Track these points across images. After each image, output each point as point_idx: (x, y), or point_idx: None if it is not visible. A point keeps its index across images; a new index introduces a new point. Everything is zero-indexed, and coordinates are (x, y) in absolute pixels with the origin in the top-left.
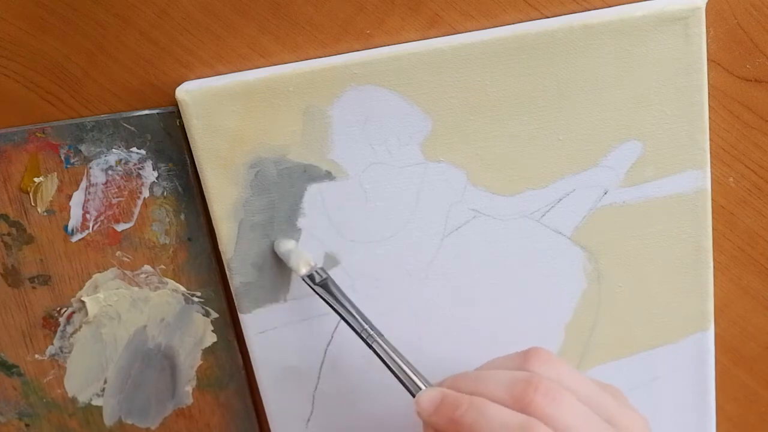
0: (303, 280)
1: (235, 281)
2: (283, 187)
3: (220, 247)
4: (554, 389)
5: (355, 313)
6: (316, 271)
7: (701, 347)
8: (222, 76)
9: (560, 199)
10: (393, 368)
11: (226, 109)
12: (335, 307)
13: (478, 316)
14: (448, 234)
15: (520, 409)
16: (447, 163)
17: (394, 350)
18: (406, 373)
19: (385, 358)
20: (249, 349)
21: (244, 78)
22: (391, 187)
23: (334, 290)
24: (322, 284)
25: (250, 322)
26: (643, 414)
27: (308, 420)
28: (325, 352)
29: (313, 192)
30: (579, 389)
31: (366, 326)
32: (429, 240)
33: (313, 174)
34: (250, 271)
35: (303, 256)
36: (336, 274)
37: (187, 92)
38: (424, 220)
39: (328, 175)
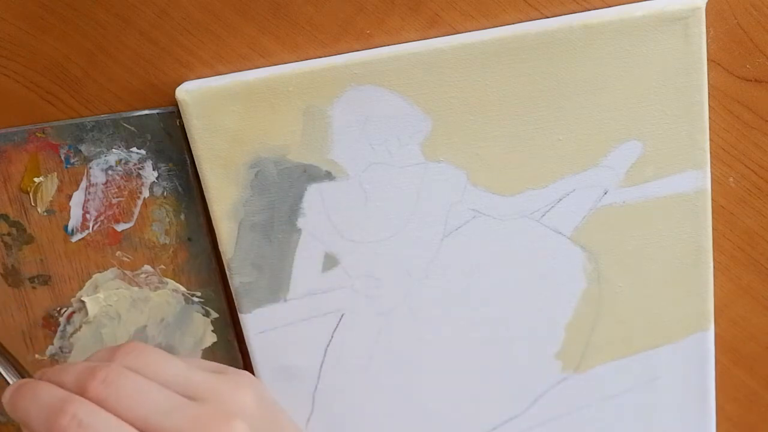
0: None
1: (235, 281)
2: (283, 187)
3: (220, 248)
4: (116, 375)
5: None
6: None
7: (701, 347)
8: (222, 76)
9: (560, 199)
10: None
11: (226, 109)
12: None
13: (477, 315)
14: (448, 234)
15: (79, 394)
16: (447, 163)
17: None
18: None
19: None
20: (249, 349)
21: (244, 78)
22: (391, 187)
23: None
24: None
25: (250, 322)
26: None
27: (308, 419)
28: (325, 352)
29: (313, 192)
30: (162, 372)
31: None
32: (429, 240)
33: (313, 174)
34: (250, 271)
35: None
36: (336, 274)
37: (187, 92)
38: (424, 220)
39: (328, 175)
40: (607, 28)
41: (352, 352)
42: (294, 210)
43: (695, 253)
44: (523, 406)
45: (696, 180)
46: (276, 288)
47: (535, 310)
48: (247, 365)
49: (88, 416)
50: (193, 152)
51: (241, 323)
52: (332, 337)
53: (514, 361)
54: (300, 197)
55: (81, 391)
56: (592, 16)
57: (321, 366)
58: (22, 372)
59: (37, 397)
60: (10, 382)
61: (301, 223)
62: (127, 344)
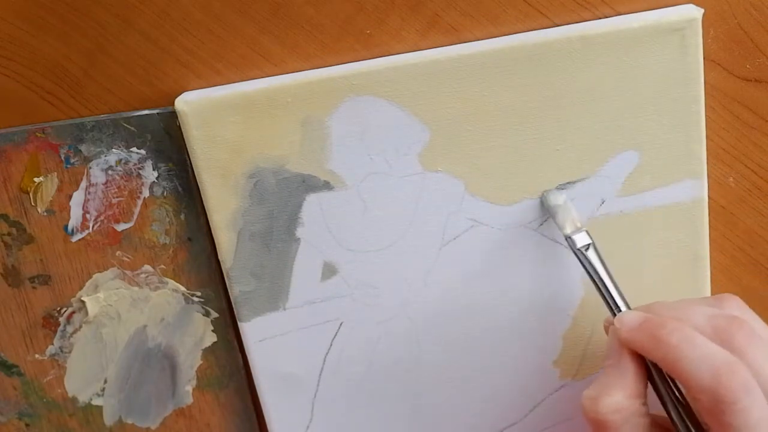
0: (566, 240)
1: (235, 290)
2: (282, 197)
3: (220, 257)
4: (752, 332)
5: (609, 288)
6: (580, 235)
7: None
8: (221, 87)
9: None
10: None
11: (225, 120)
12: (592, 276)
13: (475, 324)
14: (446, 243)
15: (720, 343)
16: (445, 173)
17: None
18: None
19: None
20: (248, 357)
21: (243, 89)
22: (389, 197)
23: (593, 260)
24: (581, 250)
25: (250, 330)
26: None
27: (308, 427)
28: (325, 360)
29: (312, 202)
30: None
31: (617, 303)
32: (427, 249)
33: (311, 184)
34: (249, 280)
35: (571, 215)
36: (334, 283)
37: (186, 103)
38: (422, 230)
39: (327, 185)
40: (605, 39)
41: (350, 360)
42: (293, 220)
43: (692, 261)
44: (521, 413)
45: (693, 189)
46: (275, 297)
47: (533, 319)
48: (246, 365)
49: (750, 381)
50: (192, 162)
51: (241, 332)
52: (331, 345)
53: (512, 368)
54: (299, 207)
55: (722, 338)
56: (590, 27)
57: (320, 374)
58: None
59: (691, 340)
60: (622, 309)
61: (300, 232)
62: (732, 297)
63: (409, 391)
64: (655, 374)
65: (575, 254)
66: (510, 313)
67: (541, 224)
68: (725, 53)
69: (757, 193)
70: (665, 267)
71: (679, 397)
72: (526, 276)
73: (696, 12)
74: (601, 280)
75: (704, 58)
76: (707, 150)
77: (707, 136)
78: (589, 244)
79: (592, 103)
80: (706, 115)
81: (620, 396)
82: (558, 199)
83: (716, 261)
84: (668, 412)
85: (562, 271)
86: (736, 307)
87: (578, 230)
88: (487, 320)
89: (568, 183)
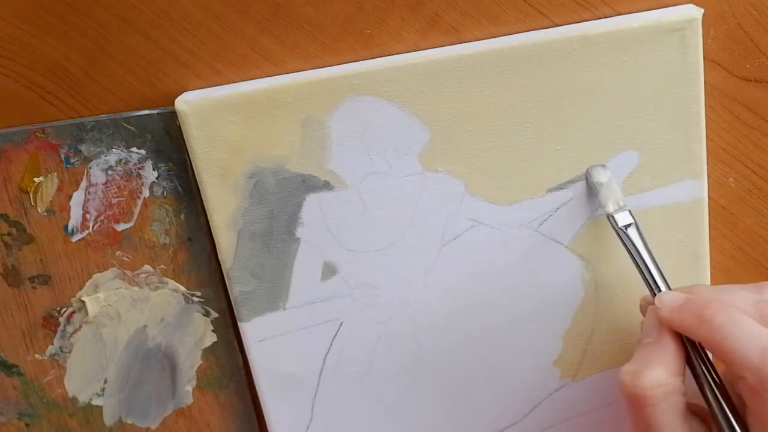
0: (608, 218)
1: (235, 290)
2: (282, 197)
3: (220, 257)
4: None
5: (651, 268)
6: (622, 214)
7: None
8: (221, 87)
9: (557, 209)
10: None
11: (225, 120)
12: (633, 255)
13: (475, 324)
14: (446, 243)
15: (766, 326)
16: (445, 172)
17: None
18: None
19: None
20: (248, 357)
21: (243, 89)
22: (389, 197)
23: (634, 239)
24: (623, 229)
25: (250, 330)
26: None
27: (308, 427)
28: (324, 360)
29: (312, 202)
30: None
31: (657, 284)
32: (427, 249)
33: (311, 184)
34: (249, 280)
35: (615, 194)
36: (335, 283)
37: (186, 103)
38: (422, 230)
39: (327, 185)
40: (605, 39)
41: (351, 360)
42: (293, 220)
43: (692, 261)
44: (522, 413)
45: (693, 189)
46: (275, 297)
47: (533, 318)
48: (246, 365)
49: None
50: (193, 162)
51: (241, 332)
52: (331, 345)
53: (512, 368)
54: (299, 207)
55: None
56: (590, 27)
57: (320, 374)
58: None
59: (736, 320)
60: (663, 289)
61: (300, 232)
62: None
63: (409, 391)
64: (693, 355)
65: (617, 233)
66: (510, 313)
67: (541, 224)
68: (725, 53)
69: (757, 193)
70: (665, 267)
71: (717, 378)
72: (526, 276)
73: (696, 12)
74: (642, 259)
75: (704, 58)
76: (707, 150)
77: (707, 136)
78: (631, 223)
79: (592, 103)
80: (706, 115)
81: (662, 371)
82: (602, 176)
83: (716, 261)
84: (704, 394)
85: (562, 271)
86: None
87: (621, 209)
88: (487, 320)
89: (568, 182)
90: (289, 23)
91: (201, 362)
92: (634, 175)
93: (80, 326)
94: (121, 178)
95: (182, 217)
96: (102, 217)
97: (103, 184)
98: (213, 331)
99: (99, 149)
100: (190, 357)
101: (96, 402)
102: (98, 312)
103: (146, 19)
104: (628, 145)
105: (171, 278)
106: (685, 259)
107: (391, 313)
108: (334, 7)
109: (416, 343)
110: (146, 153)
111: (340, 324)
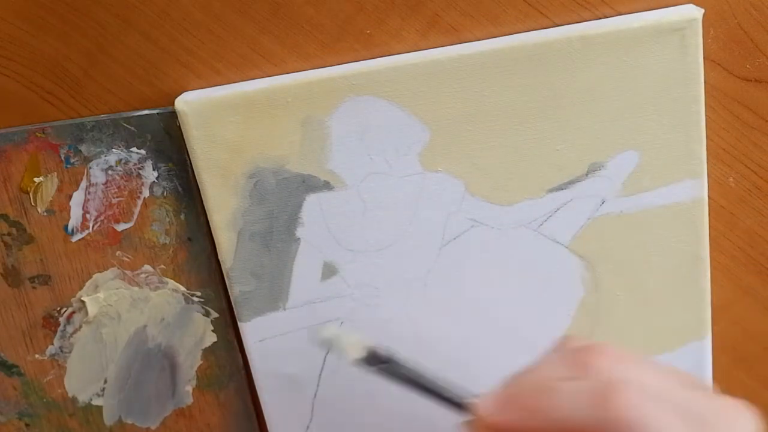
0: (356, 364)
1: (235, 290)
2: (282, 197)
3: (220, 257)
4: (603, 351)
5: (439, 386)
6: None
7: (698, 356)
8: (221, 87)
9: (558, 209)
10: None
11: (225, 120)
12: (412, 385)
13: (476, 324)
14: (446, 243)
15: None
16: (445, 173)
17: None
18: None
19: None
20: (248, 357)
21: (243, 89)
22: (389, 197)
23: (403, 369)
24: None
25: (250, 330)
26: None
27: (308, 427)
28: (325, 360)
29: (312, 202)
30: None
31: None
32: (427, 249)
33: (311, 184)
34: (249, 280)
35: (349, 340)
36: (334, 284)
37: (186, 103)
38: (423, 230)
39: (327, 185)
40: (605, 39)
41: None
42: (293, 220)
43: (692, 261)
44: None
45: (693, 189)
46: (275, 297)
47: (534, 319)
48: (246, 365)
49: None
50: (192, 162)
51: (241, 331)
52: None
53: (512, 368)
54: (299, 207)
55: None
56: (590, 27)
57: (320, 374)
58: None
59: (556, 391)
60: (464, 399)
61: (300, 232)
62: (598, 349)
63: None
64: None
65: (378, 373)
66: (510, 312)
67: (542, 224)
68: (725, 53)
69: (757, 193)
70: (665, 267)
71: None
72: (526, 276)
73: (696, 12)
74: (426, 383)
75: (704, 58)
76: (707, 150)
77: (707, 136)
78: (388, 358)
79: (592, 103)
80: (706, 115)
81: None
82: (327, 331)
83: (716, 261)
84: None
85: (561, 271)
86: (602, 359)
87: (368, 349)
88: (487, 320)
89: (568, 182)
90: (289, 23)
91: (201, 362)
92: (634, 175)
93: (80, 326)
94: (121, 178)
95: (182, 217)
96: (102, 217)
97: (103, 184)
98: (213, 331)
99: (99, 149)
100: (190, 357)
101: (96, 402)
102: (98, 312)
103: (146, 19)
104: (628, 145)
105: (171, 278)
106: (685, 259)
107: (392, 313)
108: (334, 7)
109: (416, 342)
110: (146, 153)
111: (340, 324)
